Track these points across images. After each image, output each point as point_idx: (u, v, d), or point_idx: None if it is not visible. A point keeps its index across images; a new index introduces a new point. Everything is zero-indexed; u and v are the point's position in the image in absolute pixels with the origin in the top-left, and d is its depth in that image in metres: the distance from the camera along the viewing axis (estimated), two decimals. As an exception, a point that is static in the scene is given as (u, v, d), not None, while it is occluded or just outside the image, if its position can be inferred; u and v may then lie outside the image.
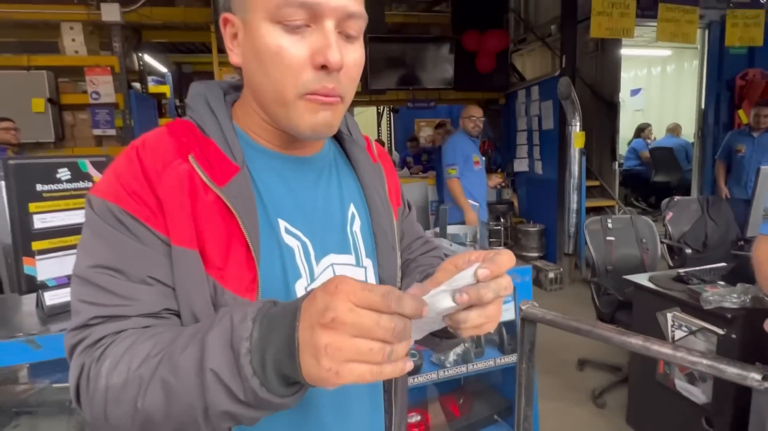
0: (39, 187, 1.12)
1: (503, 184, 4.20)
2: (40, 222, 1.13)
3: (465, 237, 2.01)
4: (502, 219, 5.78)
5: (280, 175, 0.63)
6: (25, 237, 1.11)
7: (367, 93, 5.68)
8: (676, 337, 2.04)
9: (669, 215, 3.48)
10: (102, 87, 5.06)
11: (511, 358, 1.56)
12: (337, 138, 0.73)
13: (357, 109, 7.49)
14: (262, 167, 0.61)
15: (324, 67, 0.54)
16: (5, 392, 1.31)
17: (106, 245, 0.53)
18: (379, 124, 9.63)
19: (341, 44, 0.55)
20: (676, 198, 3.61)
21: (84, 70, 5.05)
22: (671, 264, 3.41)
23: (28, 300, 1.39)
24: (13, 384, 1.37)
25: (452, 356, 1.53)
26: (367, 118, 9.83)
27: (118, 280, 0.52)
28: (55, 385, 1.35)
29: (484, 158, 3.92)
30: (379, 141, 9.04)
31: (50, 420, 1.35)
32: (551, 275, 4.67)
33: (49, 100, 4.92)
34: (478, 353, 1.59)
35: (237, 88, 0.67)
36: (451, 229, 2.03)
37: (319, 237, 0.63)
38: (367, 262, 0.68)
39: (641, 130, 7.42)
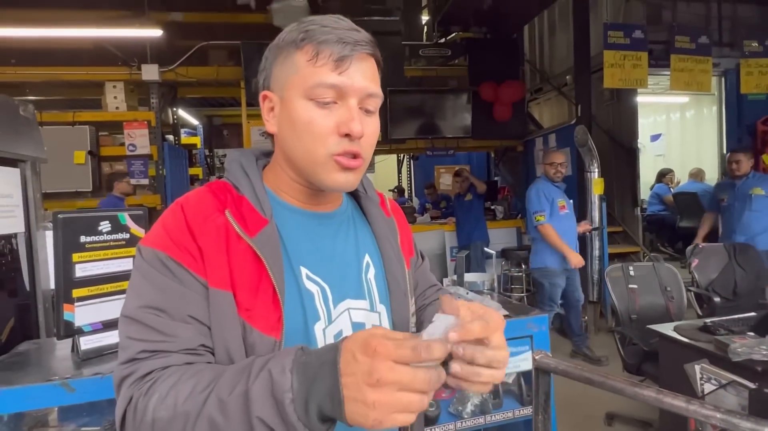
0: (82, 239, 1.22)
1: (591, 231, 4.12)
2: (80, 271, 1.22)
3: (482, 285, 2.03)
4: (523, 266, 5.72)
5: (303, 227, 0.71)
6: (66, 285, 1.20)
7: (387, 142, 5.86)
8: (706, 391, 1.97)
9: (695, 262, 3.41)
10: (138, 139, 5.41)
11: (530, 410, 1.54)
12: (354, 195, 0.82)
13: (378, 157, 7.70)
14: (288, 221, 0.70)
15: (347, 135, 0.65)
16: (36, 435, 1.35)
17: (153, 288, 0.61)
18: (399, 171, 9.83)
19: (362, 117, 0.66)
20: (701, 244, 3.54)
21: (123, 124, 5.42)
22: (700, 313, 3.30)
23: (63, 345, 1.46)
24: (42, 427, 1.42)
25: (470, 407, 1.52)
26: (387, 165, 10.06)
27: (162, 319, 0.59)
28: (82, 429, 1.39)
29: (570, 201, 3.90)
30: (399, 188, 9.19)
31: (76, 464, 1.38)
32: (576, 323, 4.54)
33: (90, 152, 5.26)
34: (496, 404, 1.57)
35: (267, 154, 0.78)
36: (469, 277, 2.06)
37: (336, 283, 0.71)
38: (381, 308, 0.75)
39: (663, 175, 7.36)
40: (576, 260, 3.64)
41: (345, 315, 0.70)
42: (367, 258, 0.76)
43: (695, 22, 5.13)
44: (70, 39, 5.42)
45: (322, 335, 0.67)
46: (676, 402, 0.83)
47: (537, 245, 3.91)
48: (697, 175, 7.02)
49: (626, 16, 5.43)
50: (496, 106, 5.84)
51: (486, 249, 2.10)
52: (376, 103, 0.68)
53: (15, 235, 1.82)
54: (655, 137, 8.82)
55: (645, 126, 7.90)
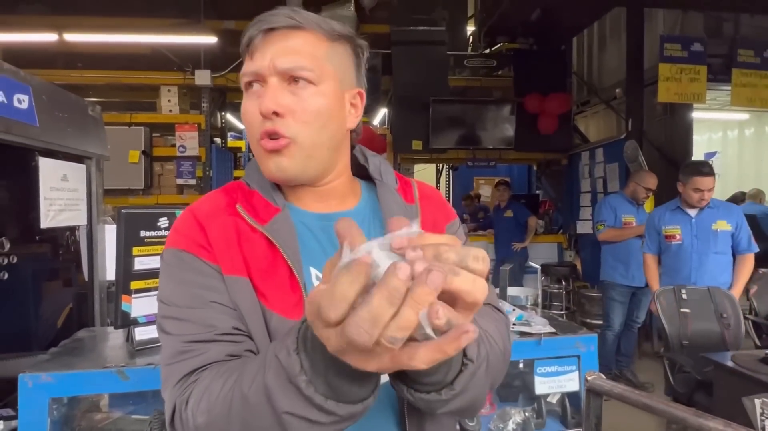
0: (142, 233, 1.28)
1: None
2: (139, 264, 1.28)
3: (526, 300, 1.97)
4: (563, 283, 5.55)
5: (311, 230, 0.68)
6: (126, 277, 1.25)
7: (427, 152, 5.85)
8: (767, 428, 1.83)
9: (753, 289, 3.20)
10: (188, 141, 5.63)
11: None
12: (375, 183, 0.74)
13: (417, 167, 7.69)
14: (295, 221, 0.67)
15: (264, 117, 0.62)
16: (89, 419, 1.42)
17: (174, 284, 0.62)
18: (438, 181, 9.78)
19: (289, 93, 0.62)
20: (762, 270, 3.32)
21: (175, 127, 5.66)
22: (758, 343, 3.09)
23: (117, 335, 1.53)
24: (95, 412, 1.49)
25: (511, 425, 1.47)
26: (426, 175, 10.03)
27: (191, 311, 0.59)
28: (132, 416, 1.44)
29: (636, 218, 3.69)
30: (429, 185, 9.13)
31: (123, 449, 1.43)
32: (618, 346, 4.35)
33: (143, 152, 5.51)
34: (538, 424, 1.52)
35: None
36: (512, 291, 2.01)
37: None
38: None
39: (738, 200, 6.91)
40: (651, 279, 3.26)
41: None
42: None
43: (759, 36, 4.86)
44: (130, 45, 5.73)
45: None
46: (747, 438, 0.78)
47: (602, 256, 3.79)
48: (755, 196, 6.61)
49: (683, 28, 5.22)
50: (541, 117, 5.72)
51: (531, 263, 2.02)
52: (309, 75, 0.62)
53: (78, 227, 1.92)
54: (709, 155, 8.40)
55: (699, 143, 7.53)
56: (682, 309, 2.73)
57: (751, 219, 6.35)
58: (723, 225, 2.98)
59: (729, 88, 4.34)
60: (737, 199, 6.82)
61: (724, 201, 3.03)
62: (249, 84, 0.65)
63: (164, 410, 0.58)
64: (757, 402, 1.89)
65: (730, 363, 2.03)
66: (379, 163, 0.76)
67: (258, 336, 0.59)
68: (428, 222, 0.72)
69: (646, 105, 4.76)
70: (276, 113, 0.62)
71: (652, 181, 3.57)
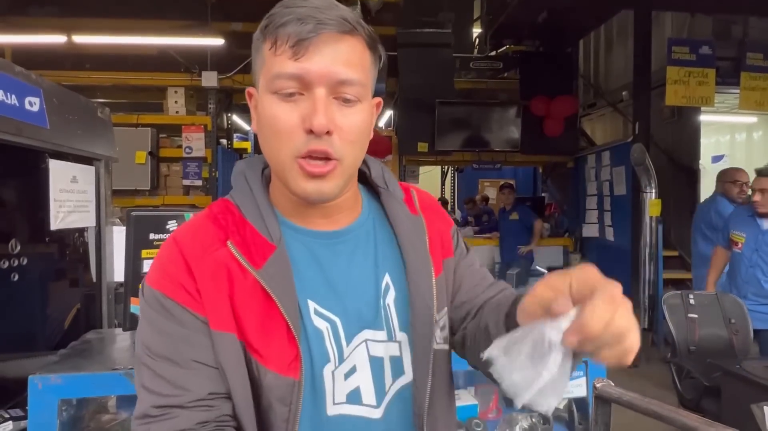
0: (151, 236, 1.28)
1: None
2: (147, 266, 1.28)
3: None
4: (569, 286, 5.52)
5: (312, 252, 0.63)
6: (135, 279, 1.26)
7: (433, 154, 5.85)
8: (776, 435, 1.81)
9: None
10: (195, 143, 5.66)
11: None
12: (376, 191, 0.71)
13: (422, 169, 7.69)
14: (293, 245, 0.62)
15: (312, 132, 0.55)
16: (97, 420, 1.42)
17: (155, 332, 0.57)
18: (443, 183, 9.78)
19: (337, 108, 0.57)
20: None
21: (181, 128, 5.69)
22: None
23: (124, 336, 1.54)
24: (102, 413, 1.49)
25: (518, 430, 1.47)
26: (431, 177, 10.03)
27: (168, 367, 0.56)
28: (139, 418, 1.45)
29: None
30: (443, 199, 9.14)
31: (130, 452, 1.43)
32: (624, 350, 4.33)
33: (150, 153, 5.54)
34: (546, 430, 1.51)
35: None
36: (518, 295, 2.00)
37: (351, 314, 0.62)
38: (401, 336, 0.64)
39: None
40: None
41: (362, 348, 0.62)
42: (386, 278, 0.65)
43: (768, 39, 4.83)
44: (138, 46, 5.77)
45: (331, 377, 0.60)
46: (759, 448, 0.77)
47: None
48: (763, 200, 6.56)
49: (691, 31, 5.20)
50: (547, 120, 5.71)
51: (537, 267, 2.00)
52: (356, 91, 0.57)
53: (86, 229, 1.94)
54: (717, 158, 8.34)
55: (707, 146, 7.48)
56: (690, 315, 2.71)
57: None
58: None
59: (737, 91, 4.31)
60: (745, 201, 6.77)
61: None
62: (286, 93, 0.56)
63: None
64: (766, 409, 1.88)
65: (739, 370, 2.01)
66: (381, 170, 0.71)
67: (239, 396, 0.57)
68: (434, 233, 0.70)
69: (654, 108, 4.74)
70: (327, 132, 0.56)
71: (739, 174, 3.19)
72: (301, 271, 0.61)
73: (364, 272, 0.65)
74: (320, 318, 0.60)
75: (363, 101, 0.59)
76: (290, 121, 0.56)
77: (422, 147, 5.71)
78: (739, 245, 2.82)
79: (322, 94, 0.56)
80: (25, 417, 1.27)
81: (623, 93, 5.88)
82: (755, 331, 2.66)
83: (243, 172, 0.66)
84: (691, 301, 2.74)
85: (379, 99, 0.66)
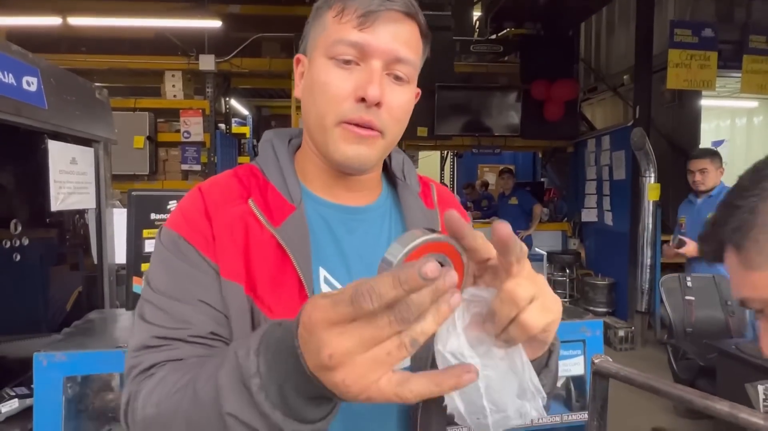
0: (152, 216, 1.29)
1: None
2: (149, 246, 1.29)
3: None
4: (567, 271, 5.56)
5: (328, 224, 0.64)
6: (137, 259, 1.26)
7: (432, 138, 5.82)
8: (769, 413, 1.85)
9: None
10: (193, 127, 5.63)
11: (579, 416, 1.49)
12: (393, 183, 0.72)
13: (422, 154, 7.67)
14: (311, 213, 0.63)
15: (363, 101, 0.56)
16: (101, 397, 1.44)
17: (165, 270, 0.58)
18: (442, 169, 9.75)
19: (387, 84, 0.58)
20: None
21: (179, 112, 5.65)
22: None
23: (127, 316, 1.55)
24: (106, 391, 1.51)
25: (516, 407, 1.49)
26: (430, 162, 10.00)
27: (173, 303, 0.55)
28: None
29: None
30: (442, 185, 9.14)
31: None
32: (621, 333, 4.38)
33: (148, 138, 5.51)
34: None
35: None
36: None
37: None
38: None
39: None
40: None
41: None
42: None
43: (772, 21, 4.78)
44: (134, 29, 5.70)
45: None
46: (754, 419, 0.78)
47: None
48: (762, 185, 6.57)
49: (694, 13, 5.14)
50: (548, 104, 5.68)
51: (537, 249, 2.01)
52: (407, 71, 0.59)
53: (86, 211, 1.94)
54: (717, 143, 8.32)
55: (707, 131, 7.47)
56: (687, 297, 2.74)
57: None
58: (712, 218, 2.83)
59: (739, 75, 4.28)
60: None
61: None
62: (343, 59, 0.58)
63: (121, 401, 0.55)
64: (761, 388, 1.91)
65: (734, 350, 2.04)
66: (402, 162, 0.73)
67: None
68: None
69: (654, 92, 4.71)
70: (377, 104, 0.57)
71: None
72: (317, 238, 0.62)
73: (375, 252, 0.64)
74: (329, 287, 0.61)
75: (411, 83, 0.61)
76: (343, 86, 0.57)
77: (422, 131, 5.68)
78: (683, 226, 3.05)
79: (378, 67, 0.57)
80: (30, 395, 1.29)
81: (624, 77, 5.83)
82: None
83: (270, 139, 0.68)
84: (689, 284, 2.77)
85: (418, 90, 0.67)
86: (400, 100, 0.60)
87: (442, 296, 0.33)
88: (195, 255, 0.58)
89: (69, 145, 1.70)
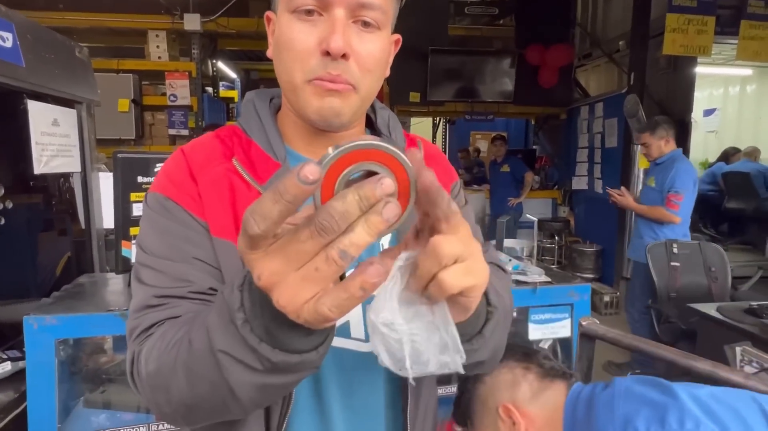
0: (140, 179, 1.26)
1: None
2: (137, 210, 1.27)
3: (521, 251, 2.00)
4: (556, 238, 5.63)
5: None
6: (125, 223, 1.24)
7: (425, 104, 5.73)
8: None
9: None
10: (179, 90, 5.46)
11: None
12: None
13: (414, 120, 7.57)
14: None
15: (329, 54, 0.53)
16: (94, 360, 1.45)
17: (156, 232, 0.57)
18: (434, 135, 9.67)
19: (355, 32, 0.55)
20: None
21: (165, 75, 5.47)
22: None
23: (117, 280, 1.54)
24: (99, 354, 1.53)
25: (504, 368, 1.54)
26: (422, 128, 9.90)
27: (169, 263, 0.56)
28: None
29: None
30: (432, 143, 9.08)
31: (129, 388, 1.48)
32: (607, 298, 4.49)
33: (133, 101, 5.35)
34: (530, 368, 1.58)
35: None
36: (509, 242, 2.03)
37: None
38: None
39: (729, 155, 6.94)
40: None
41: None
42: None
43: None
44: (115, -16, 5.43)
45: None
46: (733, 377, 0.81)
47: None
48: (751, 154, 6.61)
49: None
50: (542, 70, 5.59)
51: (528, 215, 2.02)
52: (377, 17, 0.56)
53: (71, 175, 1.89)
54: (708, 112, 8.32)
55: (699, 100, 7.45)
56: (672, 263, 2.80)
57: (745, 177, 6.42)
58: (651, 182, 3.17)
59: (734, 41, 4.22)
60: (728, 154, 6.85)
61: (679, 160, 3.02)
62: (304, 9, 0.55)
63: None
64: (738, 349, 1.98)
65: (716, 314, 2.10)
66: (387, 117, 0.72)
67: None
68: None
69: (650, 58, 4.64)
70: (344, 56, 0.54)
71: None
72: None
73: None
74: None
75: (383, 29, 0.58)
76: (307, 41, 0.55)
77: (414, 97, 5.59)
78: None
79: (341, 15, 0.54)
80: (22, 358, 1.30)
81: (620, 43, 5.73)
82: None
83: (252, 99, 0.67)
84: (675, 250, 2.82)
85: (398, 36, 0.64)
86: (371, 48, 0.56)
87: (373, 205, 0.30)
88: (184, 214, 0.58)
89: (50, 105, 1.64)
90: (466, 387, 0.87)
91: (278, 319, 0.38)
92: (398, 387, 0.65)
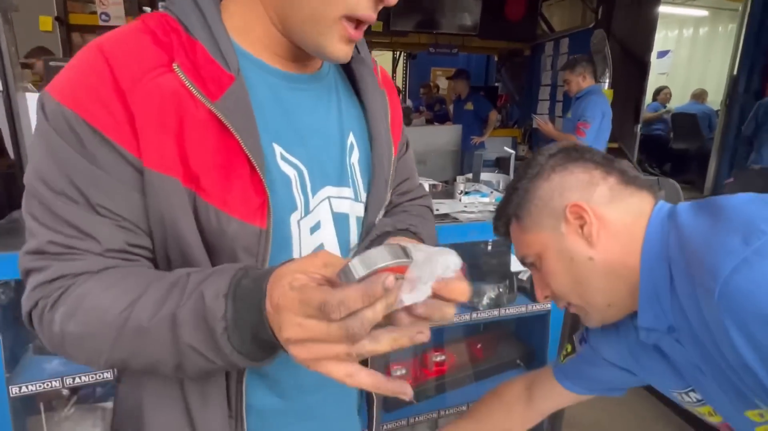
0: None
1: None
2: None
3: (498, 184, 1.96)
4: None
5: (276, 93, 0.55)
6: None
7: (388, 34, 5.43)
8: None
9: (731, 180, 3.59)
10: (112, 8, 4.82)
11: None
12: None
13: (374, 52, 7.21)
14: (256, 81, 0.53)
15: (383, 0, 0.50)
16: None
17: (54, 160, 0.45)
18: (394, 71, 9.32)
19: None
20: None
21: (93, -12, 4.81)
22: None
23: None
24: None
25: (486, 300, 1.53)
26: (382, 62, 9.51)
27: (70, 207, 0.46)
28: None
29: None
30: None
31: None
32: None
33: (57, 19, 4.71)
34: (510, 298, 1.59)
35: None
36: (486, 176, 1.98)
37: (316, 166, 0.57)
38: (366, 198, 0.63)
39: (658, 93, 7.27)
40: None
41: (324, 204, 0.58)
42: (351, 137, 0.61)
43: None
44: None
45: (297, 227, 0.55)
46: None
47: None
48: (699, 96, 6.87)
49: None
50: (509, 1, 5.38)
51: (505, 148, 1.98)
52: None
53: (-9, 95, 1.61)
54: (662, 53, 8.47)
55: (655, 41, 7.55)
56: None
57: (691, 118, 6.69)
58: (568, 114, 3.62)
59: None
60: (658, 92, 7.28)
61: (594, 93, 3.40)
62: None
63: (22, 302, 0.49)
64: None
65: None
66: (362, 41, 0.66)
67: (193, 247, 0.49)
68: (396, 112, 0.69)
69: (617, -7, 4.55)
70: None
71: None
72: (265, 111, 0.53)
73: (329, 124, 0.60)
74: (287, 164, 0.54)
75: None
76: None
77: (376, 26, 5.26)
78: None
79: None
80: (-46, 303, 1.13)
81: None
82: None
83: None
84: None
85: None
86: None
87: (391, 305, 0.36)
88: (98, 143, 0.45)
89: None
90: (521, 183, 0.72)
91: (259, 341, 0.42)
92: None
